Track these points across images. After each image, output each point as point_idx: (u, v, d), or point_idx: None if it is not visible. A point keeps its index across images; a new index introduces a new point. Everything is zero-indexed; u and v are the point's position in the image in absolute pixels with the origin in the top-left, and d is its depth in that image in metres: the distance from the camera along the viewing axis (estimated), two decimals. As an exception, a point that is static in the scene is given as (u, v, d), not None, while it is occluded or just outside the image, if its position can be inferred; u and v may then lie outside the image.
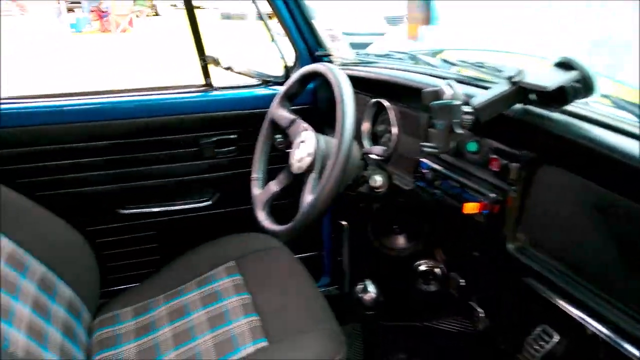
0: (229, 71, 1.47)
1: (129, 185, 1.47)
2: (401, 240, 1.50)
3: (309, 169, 1.08)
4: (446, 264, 1.37)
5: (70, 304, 1.15)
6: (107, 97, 1.42)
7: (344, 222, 1.61)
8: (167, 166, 1.48)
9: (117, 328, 1.17)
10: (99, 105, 1.40)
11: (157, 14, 13.31)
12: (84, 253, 1.24)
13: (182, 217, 1.55)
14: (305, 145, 1.11)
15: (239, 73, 1.49)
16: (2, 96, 1.37)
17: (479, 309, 1.13)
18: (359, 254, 1.62)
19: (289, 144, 1.19)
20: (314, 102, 1.50)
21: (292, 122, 1.18)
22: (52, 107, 1.37)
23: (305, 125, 1.15)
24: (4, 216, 1.08)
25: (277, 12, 1.43)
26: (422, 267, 1.41)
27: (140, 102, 1.43)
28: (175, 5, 14.89)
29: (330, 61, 1.45)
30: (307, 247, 1.68)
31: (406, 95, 1.16)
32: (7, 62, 7.20)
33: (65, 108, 1.38)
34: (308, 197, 1.04)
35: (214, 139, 1.48)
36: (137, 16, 11.46)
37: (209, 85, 1.48)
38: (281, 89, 1.23)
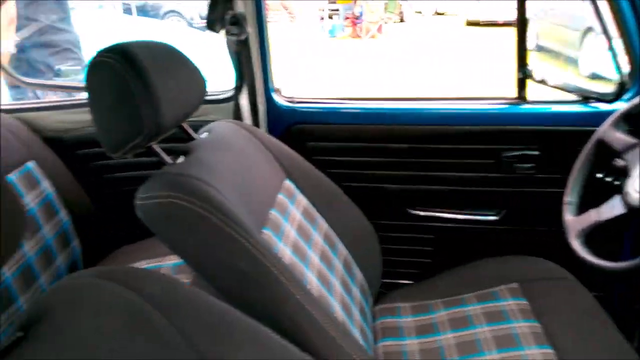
0: (542, 84, 1.40)
1: (421, 188, 1.52)
2: None
3: None
4: None
5: (362, 288, 1.24)
6: (417, 104, 1.50)
7: None
8: (460, 174, 1.48)
9: (399, 320, 1.22)
10: (408, 111, 1.49)
11: (402, 21, 13.83)
12: (374, 244, 1.34)
13: (462, 227, 1.54)
14: None
15: (554, 87, 1.40)
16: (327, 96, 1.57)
17: None
18: None
19: (620, 170, 1.07)
20: None
21: (632, 146, 1.05)
22: (365, 109, 1.51)
23: None
24: (321, 199, 1.23)
25: (618, 16, 1.25)
26: None
27: (448, 110, 1.46)
28: (420, 12, 15.25)
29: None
30: (595, 285, 1.50)
31: None
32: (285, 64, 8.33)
33: (375, 111, 1.50)
34: None
35: (516, 153, 1.42)
36: (385, 22, 12.10)
37: (521, 98, 1.43)
38: (621, 108, 1.11)
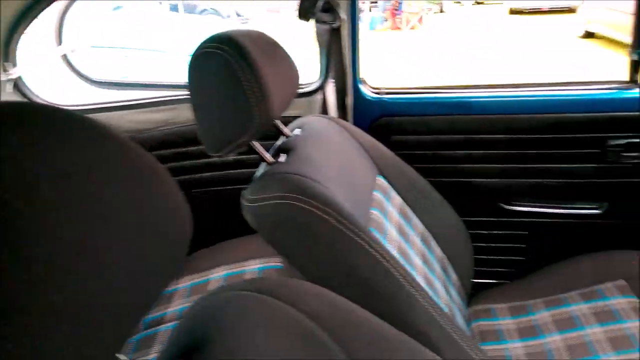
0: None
1: (516, 181, 1.44)
2: None
3: None
4: None
5: (459, 290, 1.18)
6: (513, 91, 1.41)
7: None
8: (560, 166, 1.39)
9: (496, 322, 1.15)
10: (504, 99, 1.39)
11: (442, 11, 13.55)
12: (466, 243, 1.27)
13: (560, 222, 1.45)
14: None
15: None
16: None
17: None
18: None
19: None
20: None
21: None
22: (455, 98, 1.43)
23: None
24: (414, 197, 1.17)
25: None
26: None
27: (547, 98, 1.36)
28: (459, 2, 14.89)
29: None
30: None
31: None
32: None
33: (466, 100, 1.41)
34: None
35: (624, 141, 1.32)
36: (425, 13, 11.87)
37: (633, 82, 1.32)
38: None
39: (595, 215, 1.42)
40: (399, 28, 11.32)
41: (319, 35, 1.28)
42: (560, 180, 1.41)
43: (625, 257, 1.23)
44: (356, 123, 1.41)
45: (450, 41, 9.24)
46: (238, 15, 11.85)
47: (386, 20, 11.52)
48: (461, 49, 8.32)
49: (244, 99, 0.79)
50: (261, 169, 0.93)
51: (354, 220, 0.82)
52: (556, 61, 6.90)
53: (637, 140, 1.31)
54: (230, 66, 0.78)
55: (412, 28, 11.30)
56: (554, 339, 1.06)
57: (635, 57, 1.29)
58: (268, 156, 0.91)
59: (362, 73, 1.44)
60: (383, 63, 7.49)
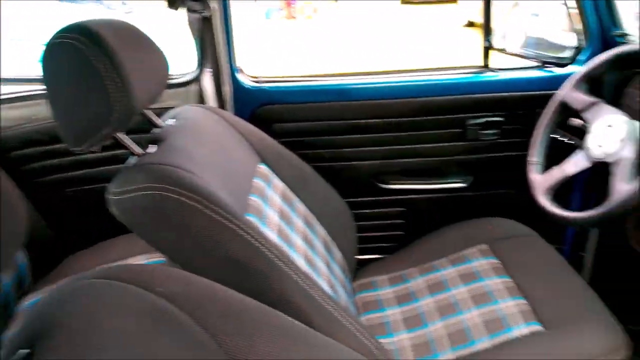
0: (502, 53, 1.44)
1: (390, 162, 1.53)
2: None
3: (620, 155, 1.02)
4: None
5: (342, 266, 1.25)
6: (384, 77, 1.49)
7: None
8: (429, 146, 1.51)
9: (377, 293, 1.24)
10: (374, 85, 1.47)
11: (335, 1, 13.81)
12: (349, 222, 1.34)
13: (432, 197, 1.58)
14: (615, 130, 1.04)
15: (513, 54, 1.44)
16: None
17: None
18: (608, 252, 1.48)
19: (574, 129, 1.14)
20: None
21: (592, 105, 1.12)
22: (331, 86, 1.49)
23: (613, 109, 1.08)
24: (296, 181, 1.21)
25: None
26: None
27: (414, 83, 1.46)
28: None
29: (626, 43, 1.32)
30: (552, 238, 1.60)
31: None
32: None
33: (342, 87, 1.48)
34: (624, 186, 0.98)
35: (481, 120, 1.46)
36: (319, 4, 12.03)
37: (485, 66, 1.46)
38: (580, 70, 1.17)
39: (462, 188, 1.56)
40: (294, 17, 11.37)
41: (191, 24, 1.26)
42: (430, 158, 1.53)
43: (487, 223, 1.37)
44: (237, 112, 1.42)
45: (343, 31, 9.47)
46: (123, 3, 11.15)
47: (282, 10, 11.52)
48: (353, 39, 8.56)
49: (102, 89, 0.76)
50: (129, 162, 0.90)
51: (226, 207, 0.83)
52: (440, 48, 7.37)
53: (493, 119, 1.45)
54: (85, 56, 0.76)
55: (307, 17, 11.42)
56: (427, 302, 1.16)
57: (486, 44, 1.43)
58: (135, 148, 0.89)
59: (239, 62, 1.44)
60: (274, 52, 7.49)
